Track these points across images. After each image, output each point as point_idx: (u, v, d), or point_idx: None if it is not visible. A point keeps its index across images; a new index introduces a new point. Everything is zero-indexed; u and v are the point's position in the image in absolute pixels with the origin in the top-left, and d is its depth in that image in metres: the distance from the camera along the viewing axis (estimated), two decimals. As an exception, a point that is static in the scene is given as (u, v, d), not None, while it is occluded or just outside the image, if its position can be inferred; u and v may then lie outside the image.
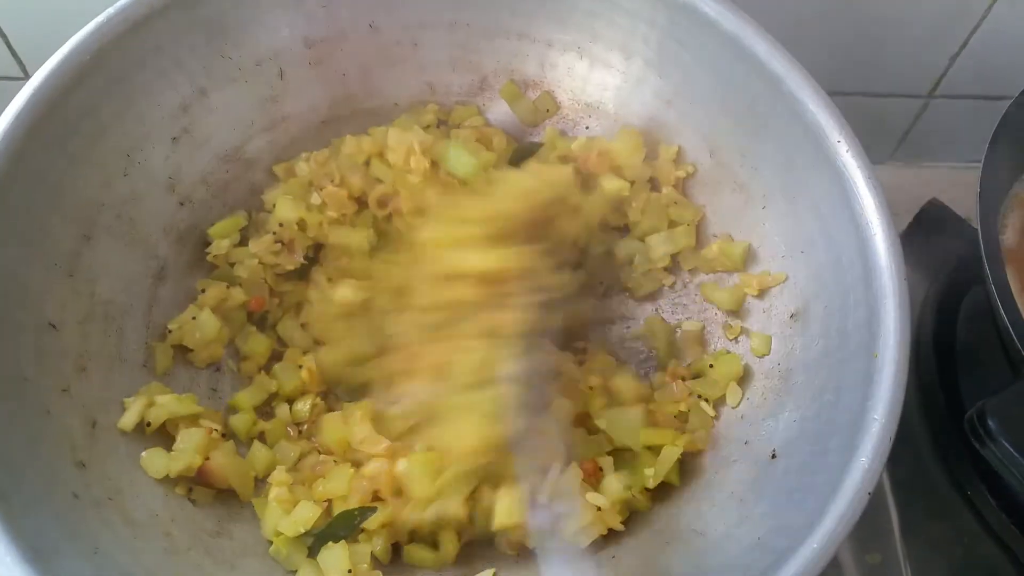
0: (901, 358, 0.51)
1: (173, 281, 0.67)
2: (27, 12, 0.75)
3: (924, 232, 0.77)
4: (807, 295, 0.61)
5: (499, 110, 0.74)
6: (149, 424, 0.58)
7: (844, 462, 0.49)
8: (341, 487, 0.59)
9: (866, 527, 0.48)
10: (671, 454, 0.60)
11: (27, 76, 0.80)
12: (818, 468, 0.52)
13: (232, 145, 0.69)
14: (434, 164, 0.68)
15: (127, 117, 0.62)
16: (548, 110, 0.73)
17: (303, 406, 0.64)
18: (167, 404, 0.59)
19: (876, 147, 0.57)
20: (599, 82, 0.71)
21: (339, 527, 0.57)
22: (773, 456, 0.57)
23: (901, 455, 0.50)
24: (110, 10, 0.59)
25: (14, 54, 0.78)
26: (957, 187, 0.77)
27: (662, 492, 0.61)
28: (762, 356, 0.63)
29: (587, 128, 0.73)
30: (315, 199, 0.68)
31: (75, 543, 0.48)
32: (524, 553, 0.59)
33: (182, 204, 0.67)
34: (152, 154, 0.64)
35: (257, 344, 0.67)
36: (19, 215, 0.54)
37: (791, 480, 0.54)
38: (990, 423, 0.55)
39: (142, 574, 0.51)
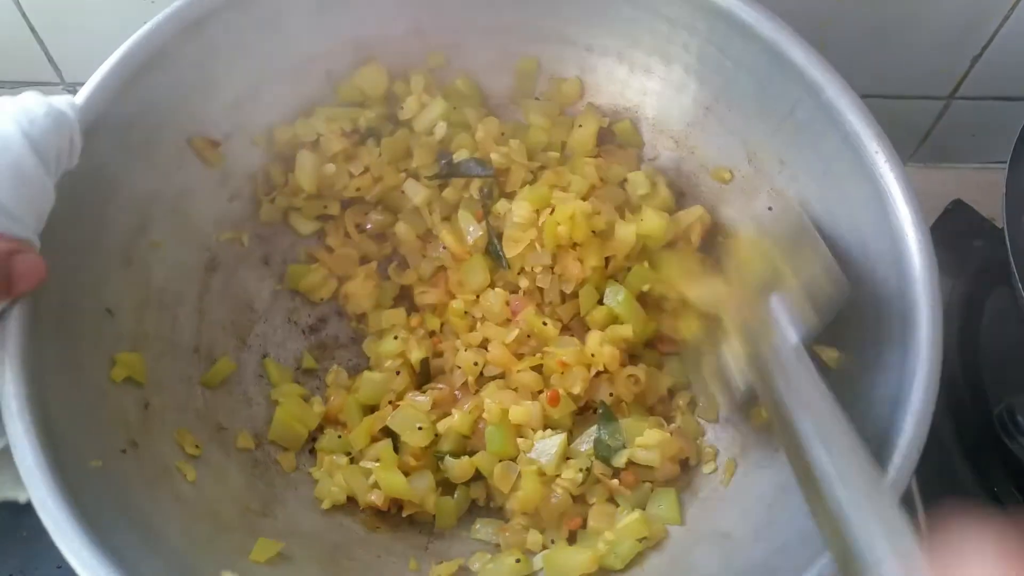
0: (932, 373, 0.52)
1: (223, 272, 0.69)
2: (65, 22, 0.77)
3: (948, 233, 0.78)
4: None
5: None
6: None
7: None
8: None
9: None
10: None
11: (64, 83, 0.82)
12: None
13: (280, 142, 0.71)
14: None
15: (182, 113, 0.64)
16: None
17: None
18: None
19: (898, 148, 0.58)
20: (638, 87, 0.72)
21: None
22: (802, 462, 0.57)
23: (927, 452, 0.51)
24: (168, 10, 0.61)
25: (52, 62, 0.81)
26: (979, 188, 0.78)
27: (691, 492, 0.63)
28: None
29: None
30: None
31: (129, 518, 0.51)
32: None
33: (232, 198, 0.70)
34: (206, 149, 0.67)
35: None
36: (80, 206, 0.57)
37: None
38: (1019, 418, 0.59)
39: (191, 549, 0.53)
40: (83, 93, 0.58)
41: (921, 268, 0.55)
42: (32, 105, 0.49)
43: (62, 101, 0.51)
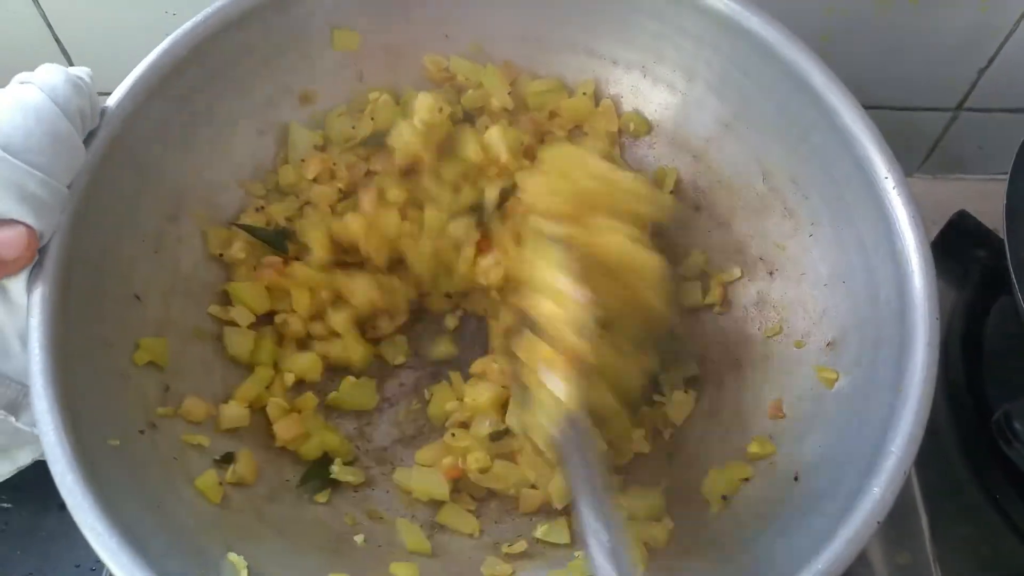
0: (925, 394, 0.53)
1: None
2: (90, 34, 0.80)
3: (952, 242, 0.80)
4: (845, 325, 0.62)
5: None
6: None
7: (858, 489, 0.51)
8: None
9: (896, 528, 0.51)
10: None
11: None
12: (834, 494, 0.53)
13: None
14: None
15: (218, 110, 0.67)
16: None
17: None
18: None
19: (905, 159, 0.60)
20: (661, 101, 0.73)
21: None
22: (796, 479, 0.59)
23: (930, 458, 0.53)
24: (208, 9, 0.63)
25: None
26: (985, 199, 0.78)
27: (685, 500, 0.64)
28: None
29: (647, 145, 0.76)
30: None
31: (142, 496, 0.53)
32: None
33: (265, 191, 0.72)
34: (239, 145, 0.69)
35: None
36: (114, 195, 0.59)
37: (808, 503, 0.56)
38: (1016, 425, 0.60)
39: (199, 530, 0.55)
40: (125, 84, 0.60)
41: (922, 292, 0.56)
42: (52, 76, 0.53)
43: (78, 70, 0.55)
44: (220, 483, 0.59)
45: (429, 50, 0.73)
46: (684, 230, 0.75)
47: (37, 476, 0.49)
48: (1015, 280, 0.61)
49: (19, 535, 0.72)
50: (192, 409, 0.62)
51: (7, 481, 0.67)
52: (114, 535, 0.47)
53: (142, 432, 0.57)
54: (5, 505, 0.73)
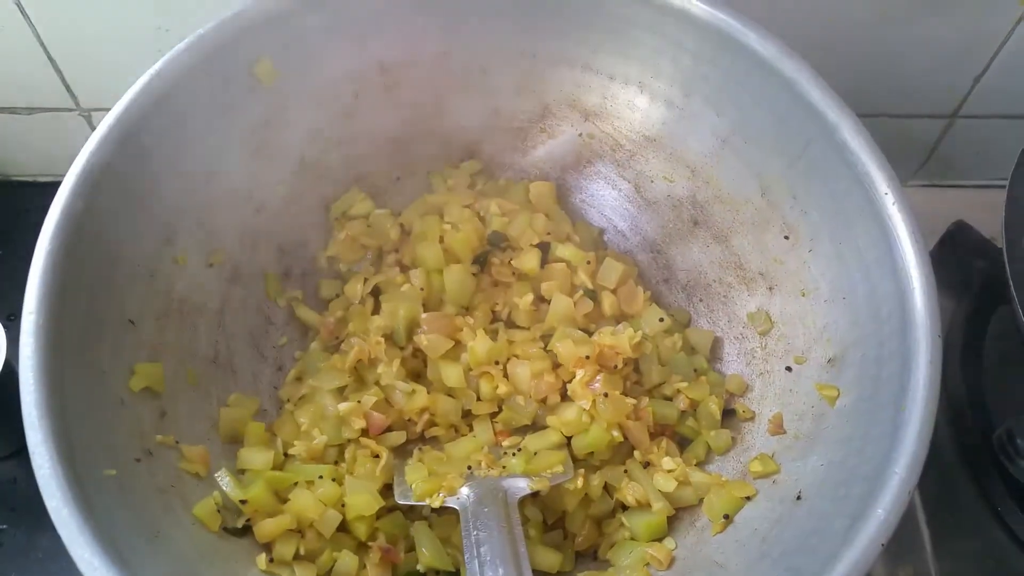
0: (928, 414, 0.52)
1: (245, 283, 0.71)
2: (81, 50, 0.80)
3: (951, 253, 0.79)
4: (846, 342, 0.62)
5: (556, 140, 0.77)
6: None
7: (862, 511, 0.50)
8: None
9: (898, 542, 0.50)
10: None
11: (79, 108, 0.85)
12: (837, 514, 0.53)
13: (307, 159, 0.73)
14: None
15: (212, 129, 0.66)
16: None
17: None
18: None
19: (901, 167, 0.59)
20: (658, 116, 0.73)
21: None
22: (798, 498, 0.58)
23: (931, 471, 0.51)
24: (200, 30, 0.63)
25: (68, 89, 0.83)
26: (982, 207, 0.78)
27: (689, 521, 0.64)
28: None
29: (644, 160, 0.75)
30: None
31: (139, 525, 0.53)
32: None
33: (257, 211, 0.72)
34: (232, 165, 0.69)
35: None
36: (107, 220, 0.59)
37: (811, 523, 0.55)
38: (1019, 441, 0.60)
39: (195, 556, 0.55)
40: (116, 109, 0.60)
41: (923, 309, 0.55)
42: None
43: None
44: (219, 510, 0.58)
45: (426, 68, 0.73)
46: (682, 245, 0.75)
47: (32, 497, 0.48)
48: (1014, 291, 0.61)
49: (15, 555, 0.72)
50: (189, 455, 0.61)
51: (2, 502, 0.66)
52: (111, 569, 0.47)
53: (139, 460, 0.56)
54: (1, 526, 0.73)
